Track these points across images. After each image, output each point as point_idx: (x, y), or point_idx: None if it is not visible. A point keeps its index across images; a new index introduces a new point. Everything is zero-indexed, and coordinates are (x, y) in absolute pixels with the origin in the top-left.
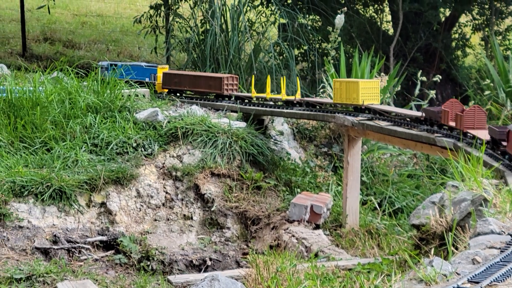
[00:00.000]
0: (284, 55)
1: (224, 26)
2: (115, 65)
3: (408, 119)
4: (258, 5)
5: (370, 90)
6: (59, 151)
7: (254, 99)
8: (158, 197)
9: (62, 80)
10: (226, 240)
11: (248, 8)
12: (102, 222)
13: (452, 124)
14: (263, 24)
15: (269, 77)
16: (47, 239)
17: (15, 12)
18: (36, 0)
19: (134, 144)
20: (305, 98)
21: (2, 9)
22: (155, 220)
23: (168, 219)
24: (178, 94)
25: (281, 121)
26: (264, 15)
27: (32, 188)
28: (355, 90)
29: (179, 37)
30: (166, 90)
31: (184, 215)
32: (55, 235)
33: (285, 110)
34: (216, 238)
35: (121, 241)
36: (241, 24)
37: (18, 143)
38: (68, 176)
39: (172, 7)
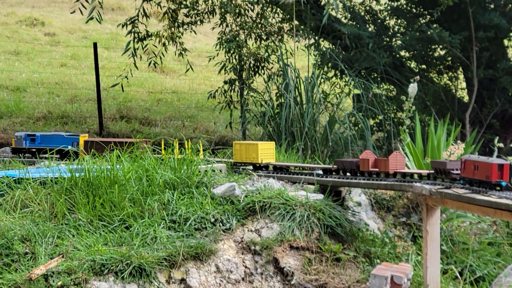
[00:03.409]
0: (359, 126)
1: (298, 99)
2: (33, 135)
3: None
4: (332, 77)
5: (267, 150)
6: (137, 229)
7: None
8: (237, 272)
9: (139, 158)
10: None
11: (322, 80)
12: None
13: (375, 169)
14: (338, 95)
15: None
16: None
17: (91, 91)
18: (112, 80)
19: (212, 220)
20: (210, 158)
21: (79, 89)
22: None
23: None
24: None
25: (358, 192)
26: (338, 86)
27: (112, 266)
28: (254, 150)
29: (254, 111)
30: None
31: None
32: None
33: (362, 181)
34: None
35: None
36: (315, 96)
37: (97, 221)
38: (148, 253)
39: (246, 82)
